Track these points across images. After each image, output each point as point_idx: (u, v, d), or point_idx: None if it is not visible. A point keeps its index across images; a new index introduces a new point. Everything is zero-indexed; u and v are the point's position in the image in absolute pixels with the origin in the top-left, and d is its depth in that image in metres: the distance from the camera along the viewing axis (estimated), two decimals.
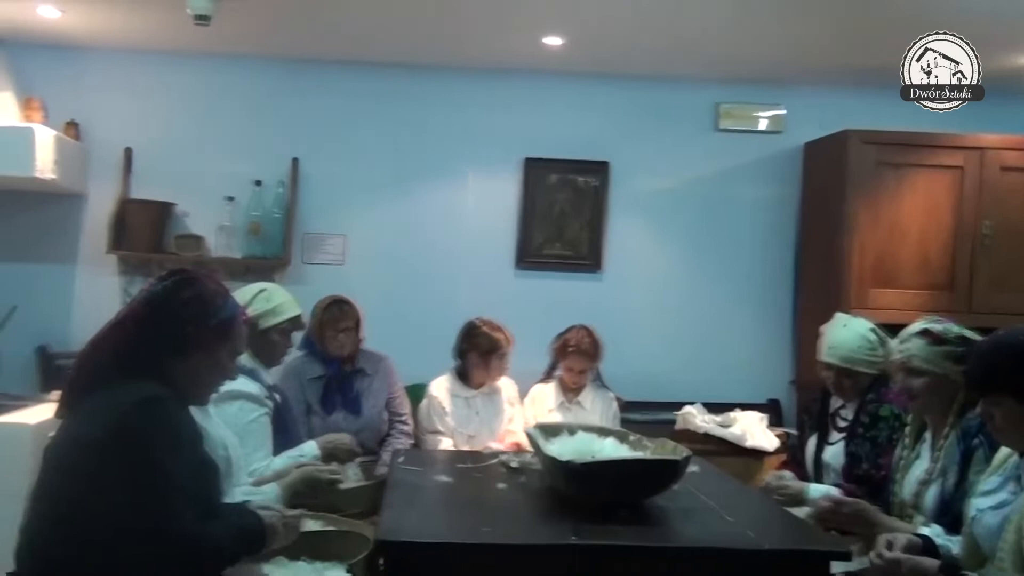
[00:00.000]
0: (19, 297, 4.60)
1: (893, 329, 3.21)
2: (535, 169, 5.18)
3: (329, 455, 3.33)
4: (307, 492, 2.87)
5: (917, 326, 2.93)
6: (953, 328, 2.88)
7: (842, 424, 3.46)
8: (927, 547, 2.40)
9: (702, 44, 4.62)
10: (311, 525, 2.77)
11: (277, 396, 3.36)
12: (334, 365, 4.13)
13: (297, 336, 3.74)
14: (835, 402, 3.54)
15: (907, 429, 3.02)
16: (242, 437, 2.91)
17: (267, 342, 3.37)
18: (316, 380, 4.10)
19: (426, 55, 4.97)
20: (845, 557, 2.56)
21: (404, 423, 4.30)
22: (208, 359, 2.30)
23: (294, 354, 3.97)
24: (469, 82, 5.15)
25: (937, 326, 2.89)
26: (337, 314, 4.12)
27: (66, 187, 4.73)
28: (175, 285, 2.29)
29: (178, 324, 2.24)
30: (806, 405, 3.82)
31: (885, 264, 4.73)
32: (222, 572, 2.24)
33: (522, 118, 5.19)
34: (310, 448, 3.31)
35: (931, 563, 2.31)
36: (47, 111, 4.73)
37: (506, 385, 4.47)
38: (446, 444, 4.19)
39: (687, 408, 4.83)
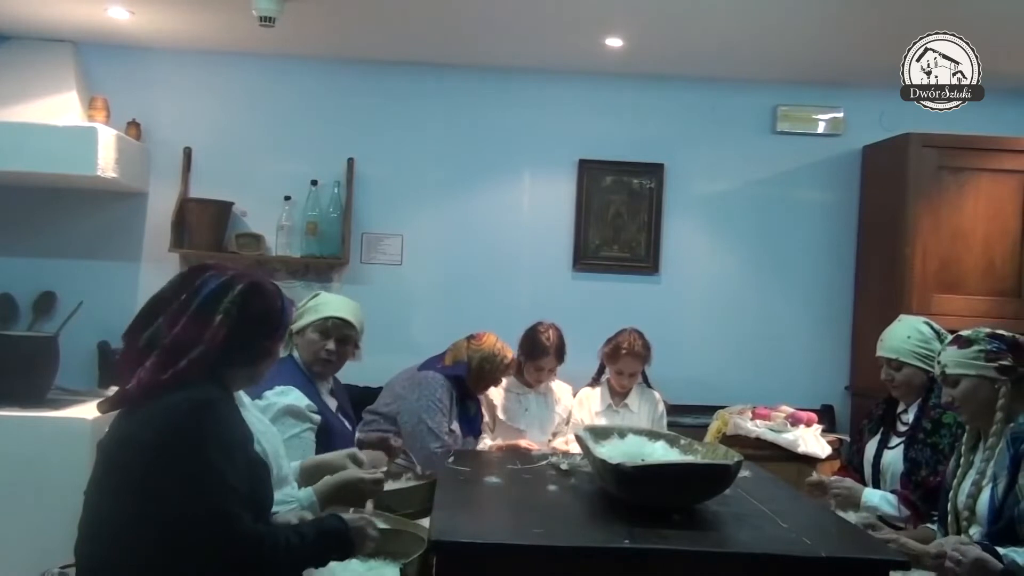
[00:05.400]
0: (84, 294, 4.66)
1: None
2: (590, 171, 5.16)
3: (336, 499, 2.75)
4: (350, 498, 2.76)
5: (950, 338, 2.95)
6: (983, 329, 2.87)
7: (903, 428, 3.41)
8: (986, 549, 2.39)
9: (760, 46, 4.58)
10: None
11: (318, 416, 3.17)
12: None
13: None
14: (899, 406, 3.49)
15: (965, 438, 2.96)
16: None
17: (305, 342, 3.32)
18: None
19: (483, 56, 4.98)
20: (904, 566, 2.52)
21: None
22: (270, 360, 2.36)
23: None
24: (525, 83, 5.15)
25: (966, 331, 2.89)
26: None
27: (128, 186, 4.80)
28: (243, 299, 2.21)
29: (253, 340, 2.25)
30: (868, 409, 3.76)
31: (949, 270, 4.67)
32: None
33: (578, 119, 5.17)
34: (306, 495, 2.65)
35: (995, 563, 2.28)
36: (110, 110, 4.80)
37: (560, 389, 4.50)
38: (483, 441, 4.20)
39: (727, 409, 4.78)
